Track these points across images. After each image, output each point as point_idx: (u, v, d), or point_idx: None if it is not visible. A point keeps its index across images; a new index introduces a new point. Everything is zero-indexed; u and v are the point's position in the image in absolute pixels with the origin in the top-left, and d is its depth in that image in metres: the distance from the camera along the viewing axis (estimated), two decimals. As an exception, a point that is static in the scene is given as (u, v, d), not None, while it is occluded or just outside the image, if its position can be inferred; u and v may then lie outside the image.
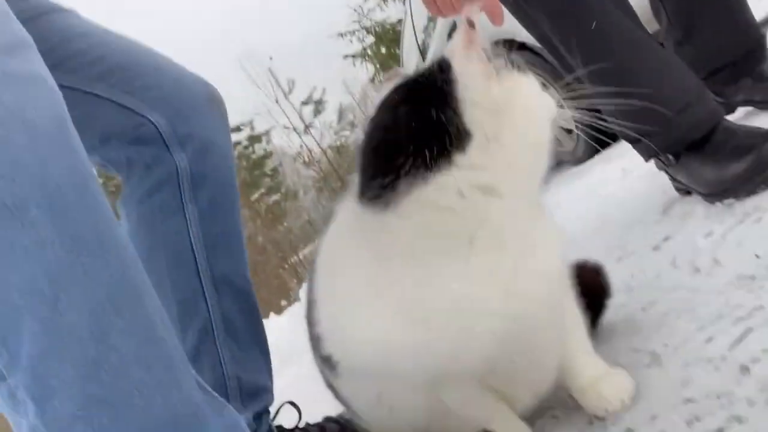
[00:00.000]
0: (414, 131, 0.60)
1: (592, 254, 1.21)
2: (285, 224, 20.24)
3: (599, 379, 0.75)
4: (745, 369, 0.63)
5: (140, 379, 0.64)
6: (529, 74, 0.67)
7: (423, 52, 4.43)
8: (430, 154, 0.59)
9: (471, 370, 0.69)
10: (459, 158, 0.60)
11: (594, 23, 1.16)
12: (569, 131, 3.24)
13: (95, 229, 0.64)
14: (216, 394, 0.75)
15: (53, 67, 0.69)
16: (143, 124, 1.09)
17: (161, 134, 1.09)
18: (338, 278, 0.74)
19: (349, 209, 0.76)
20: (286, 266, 18.54)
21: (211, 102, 1.19)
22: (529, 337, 0.69)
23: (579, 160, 3.25)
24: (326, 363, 0.78)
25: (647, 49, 1.21)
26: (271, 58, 16.93)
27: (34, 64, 0.66)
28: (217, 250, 1.14)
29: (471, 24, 0.64)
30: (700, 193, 1.18)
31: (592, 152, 3.15)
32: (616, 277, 1.13)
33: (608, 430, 0.70)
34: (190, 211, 1.12)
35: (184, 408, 0.67)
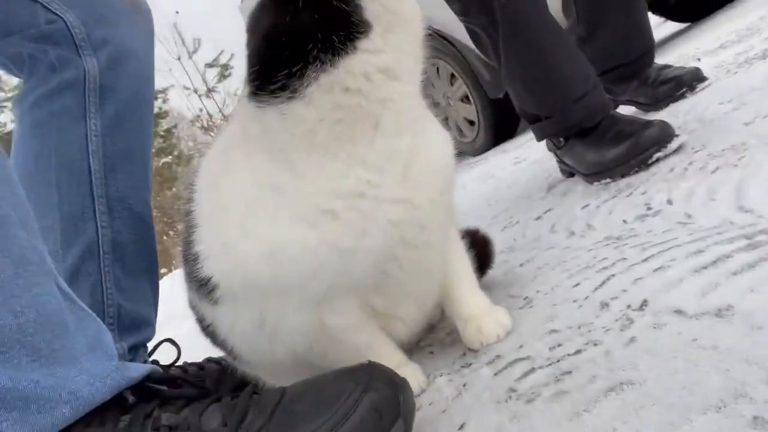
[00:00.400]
0: (319, 20, 0.64)
1: (482, 225, 1.29)
2: (174, 190, 19.35)
3: (481, 315, 0.81)
4: (605, 305, 0.70)
5: None
6: None
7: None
8: (338, 39, 0.64)
9: (367, 273, 0.71)
10: (363, 43, 0.66)
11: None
12: (471, 123, 3.38)
13: None
14: (83, 305, 0.70)
15: None
16: (53, 21, 1.00)
17: (73, 35, 1.01)
18: (225, 192, 0.73)
19: (235, 123, 0.76)
20: (171, 233, 17.78)
21: (135, 7, 1.11)
22: (421, 236, 0.73)
23: (478, 152, 3.41)
24: (203, 290, 0.75)
25: (558, 36, 1.29)
26: (177, 12, 15.99)
27: None
28: (117, 168, 1.07)
29: None
30: (581, 174, 1.29)
31: (490, 144, 3.32)
32: (501, 242, 1.21)
33: (479, 358, 0.76)
34: (93, 122, 1.04)
35: (34, 313, 0.62)
